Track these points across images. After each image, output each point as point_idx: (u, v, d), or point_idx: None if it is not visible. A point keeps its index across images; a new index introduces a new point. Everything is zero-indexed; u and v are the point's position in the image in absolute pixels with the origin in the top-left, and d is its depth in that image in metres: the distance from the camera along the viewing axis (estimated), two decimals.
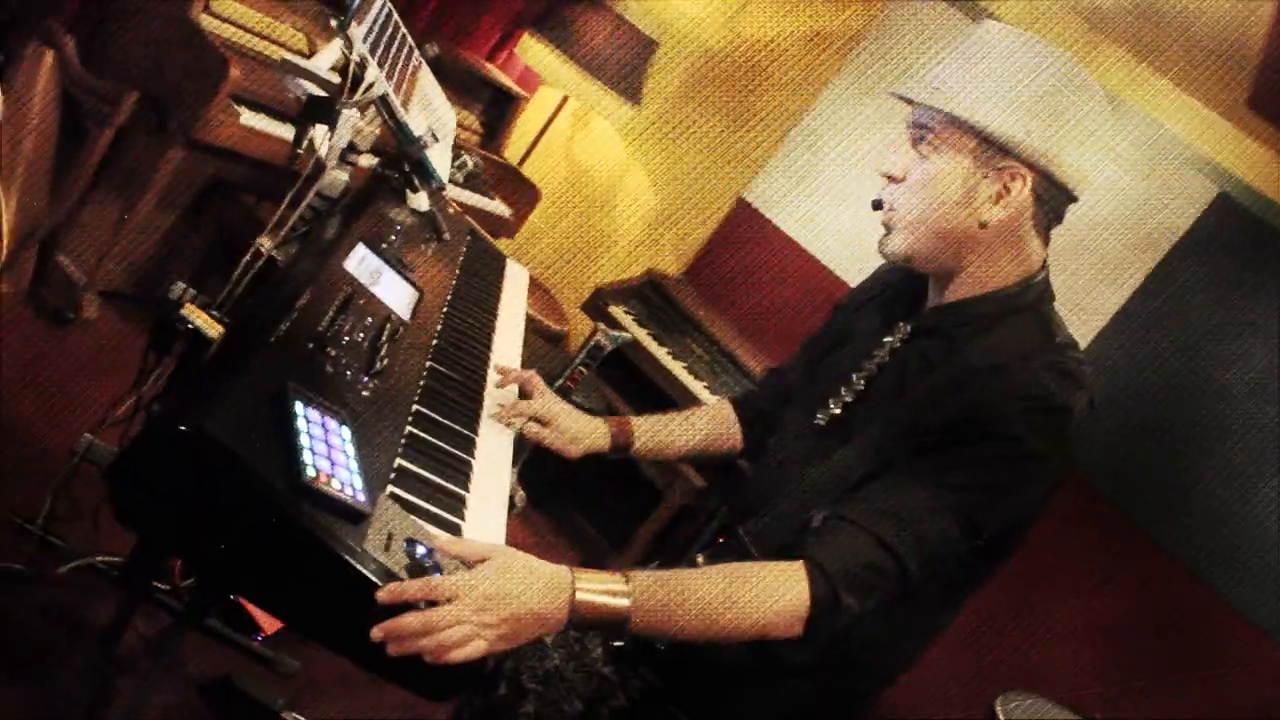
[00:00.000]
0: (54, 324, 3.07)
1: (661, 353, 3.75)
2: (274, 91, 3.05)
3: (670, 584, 1.35)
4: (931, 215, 1.48)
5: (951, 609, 1.58)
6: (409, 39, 1.70)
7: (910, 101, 1.51)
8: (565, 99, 4.24)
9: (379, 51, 1.46)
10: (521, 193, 4.09)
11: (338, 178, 1.82)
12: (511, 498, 2.79)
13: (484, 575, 1.24)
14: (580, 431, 1.85)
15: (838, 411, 1.58)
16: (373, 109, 1.44)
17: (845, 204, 3.89)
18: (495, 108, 4.12)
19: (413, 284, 1.86)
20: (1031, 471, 1.41)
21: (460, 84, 3.96)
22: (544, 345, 3.71)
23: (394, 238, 1.92)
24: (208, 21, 2.97)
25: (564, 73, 4.00)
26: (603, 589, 1.31)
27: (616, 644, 1.69)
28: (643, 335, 3.79)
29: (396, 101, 1.42)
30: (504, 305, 2.22)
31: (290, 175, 1.65)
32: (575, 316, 4.26)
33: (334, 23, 1.36)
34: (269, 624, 2.41)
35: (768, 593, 1.36)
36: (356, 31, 1.36)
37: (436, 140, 1.49)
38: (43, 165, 2.95)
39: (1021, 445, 1.38)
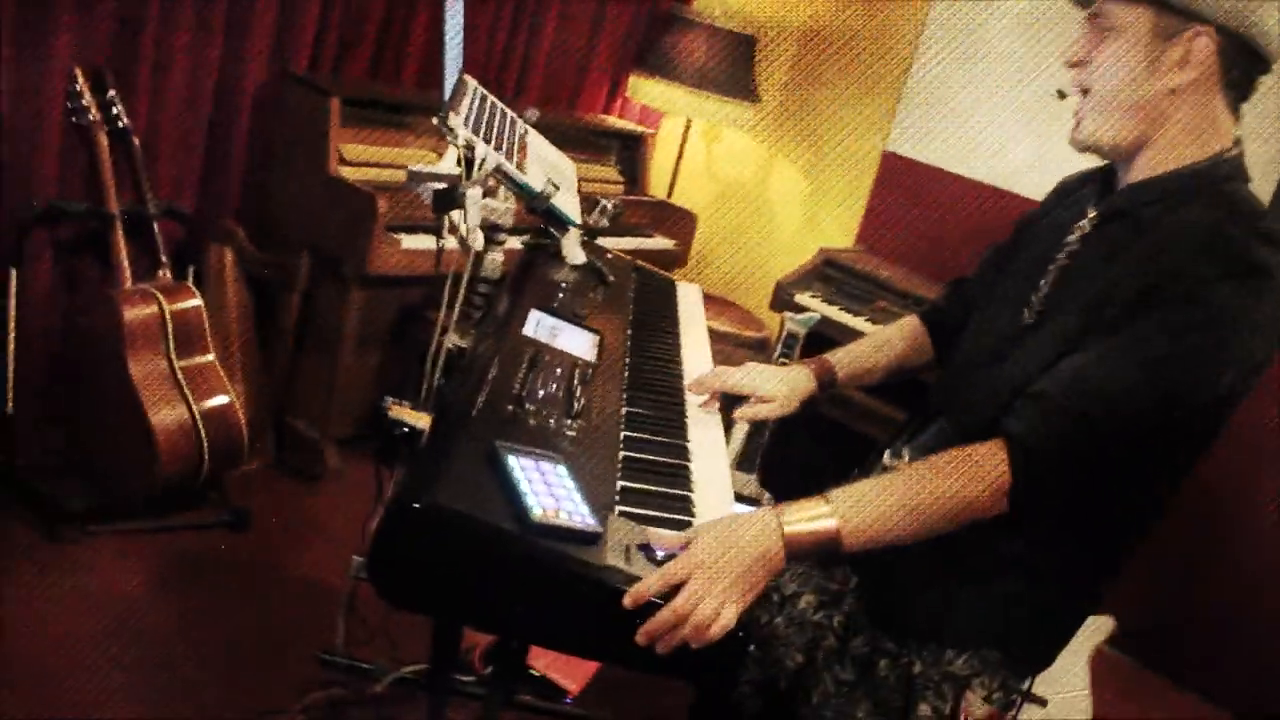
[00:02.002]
0: (307, 482, 3.32)
1: (858, 321, 3.74)
2: (422, 214, 3.24)
3: (869, 491, 1.38)
4: (1120, 91, 1.46)
5: (1153, 507, 1.54)
6: (509, 111, 1.81)
7: None
8: (689, 122, 4.32)
9: (482, 129, 1.56)
10: (678, 222, 4.19)
11: (494, 260, 1.94)
12: (759, 504, 2.85)
13: (701, 547, 1.29)
14: (785, 387, 1.91)
15: (1031, 310, 1.57)
16: (494, 182, 1.54)
17: (986, 118, 3.83)
18: (627, 154, 4.25)
19: (591, 329, 1.95)
20: (1230, 337, 1.36)
21: (588, 143, 4.11)
22: (746, 354, 3.75)
23: (562, 295, 2.02)
24: (346, 171, 3.20)
25: (678, 98, 4.08)
26: (807, 516, 1.35)
27: (825, 587, 1.71)
28: (834, 311, 3.79)
29: (510, 166, 1.52)
30: (684, 323, 2.29)
31: (457, 278, 1.78)
32: (770, 319, 4.30)
33: (434, 120, 1.48)
34: (572, 684, 2.53)
35: (968, 472, 1.38)
36: (455, 120, 1.47)
37: (558, 188, 1.58)
38: (252, 346, 3.22)
39: (1219, 308, 1.34)
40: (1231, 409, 1.45)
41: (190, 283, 3.03)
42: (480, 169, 1.46)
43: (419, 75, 3.63)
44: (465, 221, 1.49)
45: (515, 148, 1.67)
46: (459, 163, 1.65)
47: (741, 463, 2.94)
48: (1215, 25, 1.40)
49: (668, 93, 4.09)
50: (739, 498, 2.87)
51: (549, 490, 1.31)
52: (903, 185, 4.08)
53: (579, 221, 1.69)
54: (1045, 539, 1.50)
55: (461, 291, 1.65)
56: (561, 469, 1.38)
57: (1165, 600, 3.30)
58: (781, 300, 3.89)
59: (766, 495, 2.85)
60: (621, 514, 1.39)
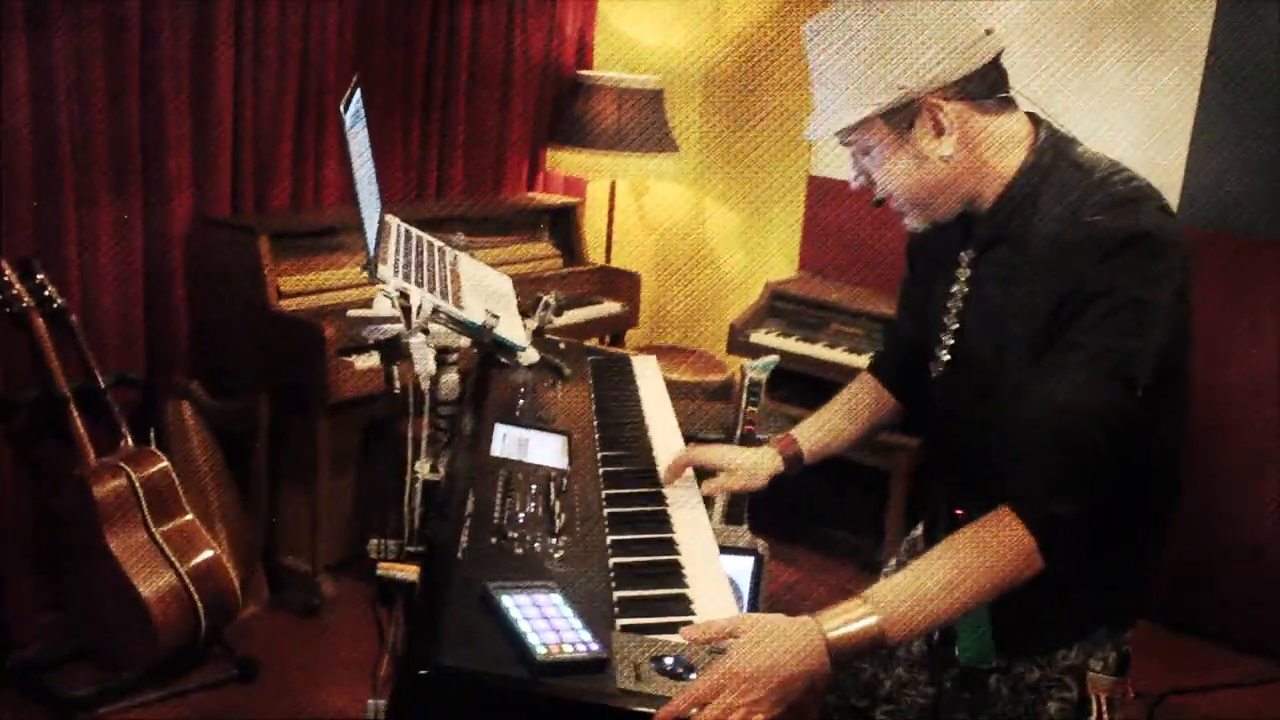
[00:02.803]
0: (306, 616, 3.31)
1: (817, 349, 3.79)
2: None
3: (903, 584, 1.40)
4: (908, 187, 1.55)
5: (1175, 441, 1.58)
6: (435, 242, 1.83)
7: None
8: (613, 183, 4.37)
9: (413, 272, 1.59)
10: (622, 284, 4.22)
11: (450, 381, 1.96)
12: (756, 551, 2.87)
13: (738, 657, 1.30)
14: (752, 463, 1.94)
15: (949, 351, 1.61)
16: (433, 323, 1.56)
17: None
18: (559, 226, 4.29)
19: (558, 431, 1.97)
20: (1147, 306, 1.41)
21: (519, 224, 4.15)
22: (712, 407, 3.77)
23: (522, 401, 2.04)
24: (286, 304, 3.21)
25: (598, 163, 4.13)
26: (848, 618, 1.36)
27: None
28: (791, 344, 3.84)
29: (447, 305, 1.54)
30: (646, 401, 2.30)
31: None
32: (733, 361, 4.34)
33: (364, 273, 1.50)
34: None
35: (990, 547, 1.40)
36: (384, 270, 1.49)
37: (498, 317, 1.60)
38: (229, 497, 3.22)
39: (1123, 291, 1.40)
40: (1185, 340, 1.50)
41: (153, 444, 3.03)
42: (419, 315, 1.48)
43: (340, 193, 3.65)
44: (415, 368, 1.51)
45: (449, 280, 1.69)
46: (365, 265, 1.66)
47: (729, 517, 2.97)
48: (931, 92, 1.47)
49: (587, 159, 4.14)
50: (733, 550, 2.89)
51: (549, 624, 1.32)
52: (833, 205, 4.14)
53: (525, 345, 1.71)
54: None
55: (425, 424, 1.67)
56: (556, 596, 1.39)
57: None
58: (737, 343, 3.93)
59: (760, 542, 2.87)
60: (624, 628, 1.40)
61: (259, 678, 2.98)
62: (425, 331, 1.49)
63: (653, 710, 1.25)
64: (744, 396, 2.89)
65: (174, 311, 3.24)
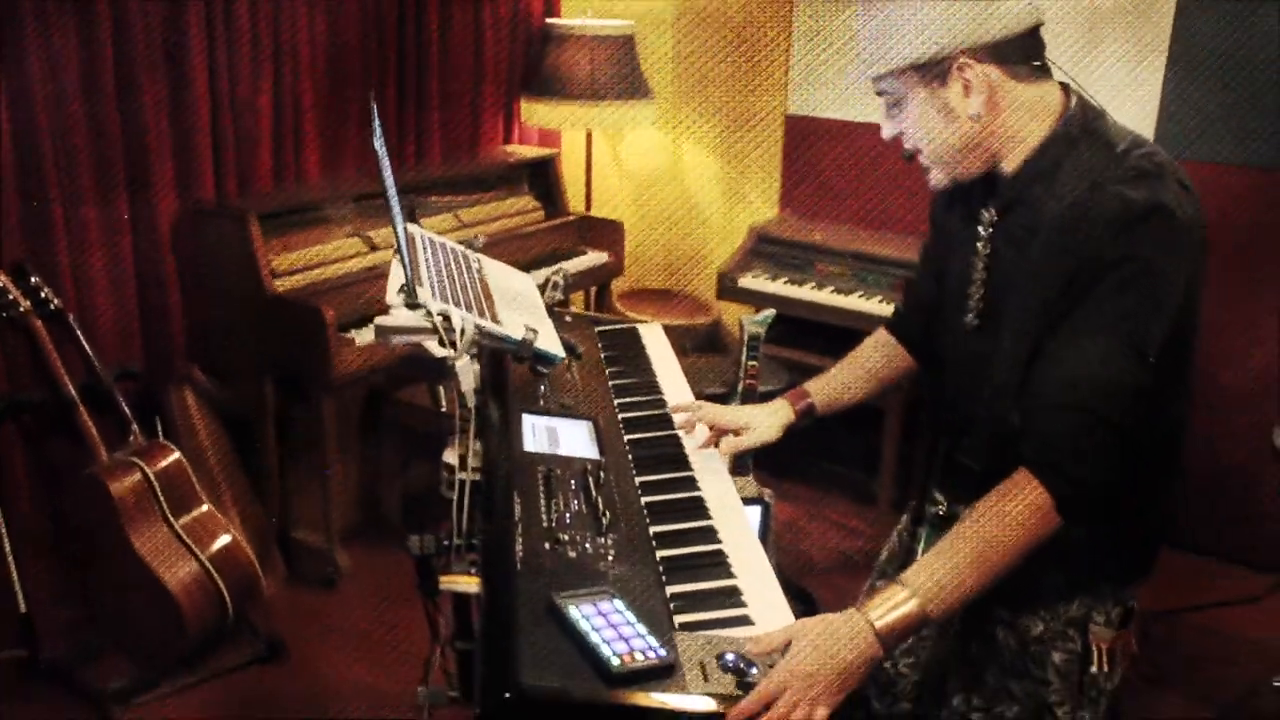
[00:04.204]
0: (325, 589, 3.37)
1: (806, 291, 3.84)
2: (366, 302, 3.28)
3: (937, 563, 1.47)
4: (937, 143, 1.60)
5: (1174, 431, 1.65)
6: (459, 250, 1.85)
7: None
8: (589, 133, 4.36)
9: (447, 288, 1.61)
10: (606, 234, 4.24)
11: (471, 371, 1.99)
12: (763, 500, 2.94)
13: (796, 658, 1.37)
14: (766, 419, 2.03)
15: (977, 316, 1.67)
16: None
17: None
18: (539, 179, 4.28)
19: (583, 417, 2.01)
20: (1159, 277, 1.47)
21: (500, 181, 4.15)
22: (711, 360, 3.81)
23: (543, 388, 2.08)
24: (281, 284, 3.21)
25: (573, 114, 4.12)
26: (891, 605, 1.43)
27: None
28: (780, 287, 3.89)
29: (488, 324, 1.57)
30: (659, 374, 2.35)
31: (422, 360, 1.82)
32: (720, 306, 4.38)
33: (403, 298, 1.52)
34: None
35: (1012, 513, 1.47)
36: (424, 293, 1.51)
37: (537, 332, 1.63)
38: (237, 477, 3.25)
39: (1134, 262, 1.45)
40: (1195, 309, 1.56)
41: (160, 433, 3.05)
42: (462, 338, 1.50)
43: (321, 166, 3.64)
44: (462, 387, 1.54)
45: (480, 293, 1.71)
46: (403, 287, 1.68)
47: (736, 469, 3.03)
48: (965, 52, 1.52)
49: (562, 111, 4.12)
50: (743, 501, 2.96)
51: (616, 632, 1.38)
52: (811, 144, 4.16)
53: (562, 355, 1.74)
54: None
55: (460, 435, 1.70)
56: (618, 602, 1.45)
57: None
58: (726, 288, 3.97)
59: (767, 491, 2.95)
60: (682, 626, 1.47)
61: (287, 656, 3.04)
62: (470, 354, 1.51)
63: (720, 711, 1.32)
64: (744, 351, 2.93)
65: (168, 302, 3.24)
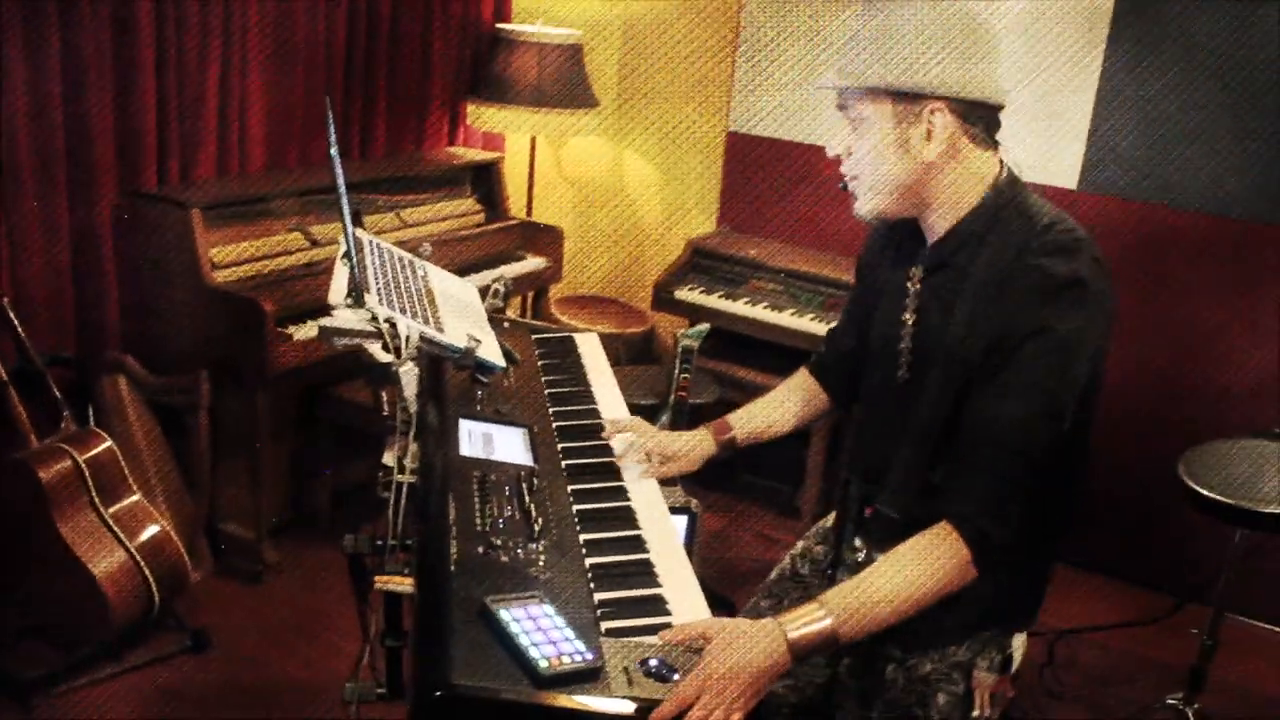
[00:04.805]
0: (251, 583, 3.38)
1: (740, 306, 3.92)
2: (306, 298, 3.29)
3: (856, 591, 1.56)
4: (881, 173, 1.67)
5: (1081, 461, 1.74)
6: (406, 257, 1.90)
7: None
8: (533, 138, 4.41)
9: (393, 295, 1.66)
10: (545, 239, 4.28)
11: (410, 373, 2.04)
12: (690, 510, 3.01)
13: (713, 661, 1.45)
14: (690, 449, 2.12)
15: (905, 368, 1.75)
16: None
17: (814, 82, 4.03)
18: (482, 182, 4.32)
19: (519, 424, 2.07)
20: (1071, 347, 1.57)
21: (444, 182, 4.17)
22: (646, 371, 3.87)
23: (480, 394, 2.13)
24: (220, 276, 3.22)
25: (519, 119, 4.16)
26: (806, 619, 1.52)
27: None
28: (715, 300, 3.97)
29: (432, 332, 1.62)
30: (594, 383, 2.40)
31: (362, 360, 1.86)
32: (654, 317, 4.45)
33: (343, 303, 1.56)
34: None
35: (934, 560, 1.57)
36: (371, 300, 1.56)
37: (479, 341, 1.68)
38: (168, 467, 3.25)
39: (1052, 332, 1.55)
40: (1099, 375, 1.66)
41: (92, 421, 3.05)
42: (407, 345, 1.55)
43: (267, 158, 3.64)
44: (405, 393, 1.59)
45: (425, 300, 1.76)
46: (349, 291, 1.73)
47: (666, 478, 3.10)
48: (942, 98, 1.60)
49: (507, 115, 4.17)
50: (670, 510, 3.03)
51: (545, 636, 1.43)
52: (751, 162, 4.25)
53: (502, 364, 1.79)
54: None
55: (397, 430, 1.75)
56: (548, 607, 1.50)
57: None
58: (662, 299, 4.04)
59: (694, 501, 3.01)
60: (609, 631, 1.53)
61: (212, 647, 3.05)
62: (413, 360, 1.56)
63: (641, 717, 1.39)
64: (677, 364, 3.01)
65: (105, 289, 3.23)
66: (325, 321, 1.78)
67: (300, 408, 3.62)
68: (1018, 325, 1.56)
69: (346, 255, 1.65)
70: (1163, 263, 3.55)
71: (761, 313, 3.88)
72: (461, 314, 1.89)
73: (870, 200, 1.72)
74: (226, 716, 2.83)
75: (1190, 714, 2.75)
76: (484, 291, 2.41)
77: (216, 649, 3.05)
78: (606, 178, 4.69)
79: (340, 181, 1.72)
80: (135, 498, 2.98)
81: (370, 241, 1.86)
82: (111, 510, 2.90)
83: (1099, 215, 3.51)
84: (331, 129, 1.71)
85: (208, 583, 3.33)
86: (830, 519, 2.11)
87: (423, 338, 1.58)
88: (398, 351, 1.55)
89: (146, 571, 2.91)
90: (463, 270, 3.86)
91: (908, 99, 1.61)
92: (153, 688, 2.90)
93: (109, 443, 2.95)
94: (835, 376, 2.09)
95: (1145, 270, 3.54)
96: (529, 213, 4.45)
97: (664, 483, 3.14)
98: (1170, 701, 2.80)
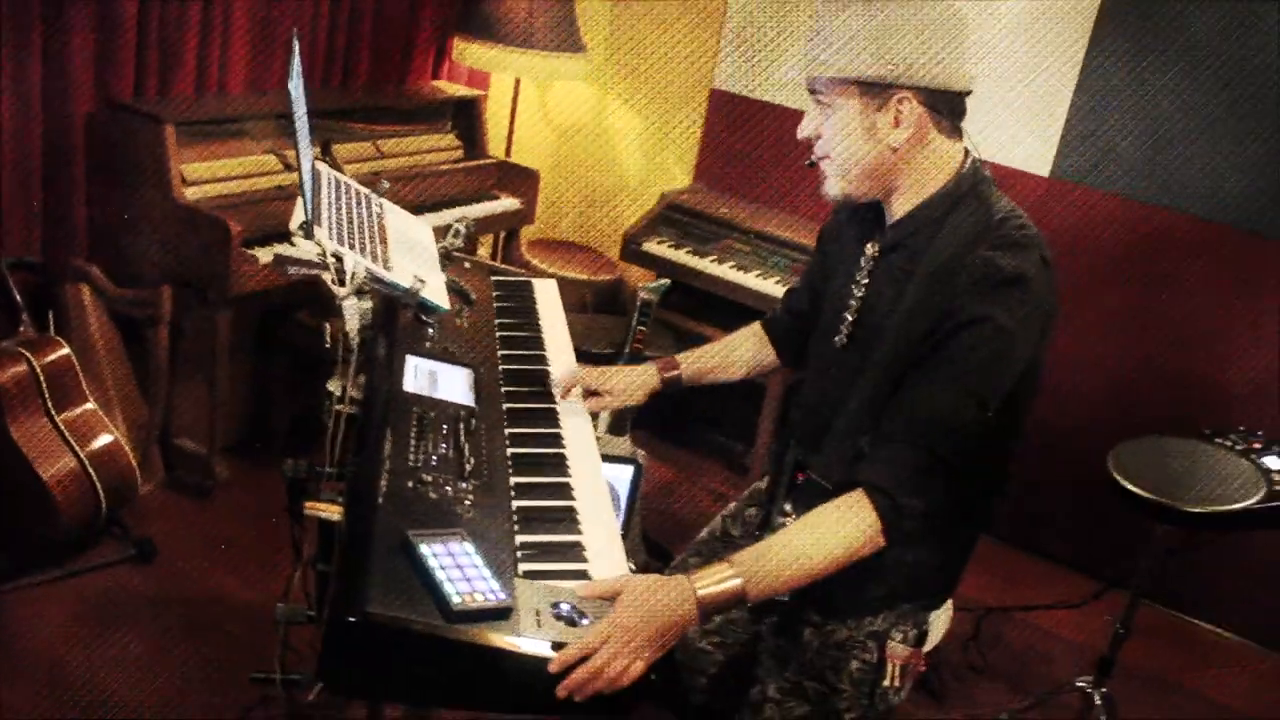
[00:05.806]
0: (200, 498, 3.42)
1: (706, 263, 3.95)
2: (275, 221, 3.31)
3: (766, 553, 1.61)
4: (849, 157, 1.71)
5: (1013, 443, 1.80)
6: (363, 192, 1.92)
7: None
8: (518, 79, 4.40)
9: (344, 230, 1.69)
10: (522, 181, 4.29)
11: (358, 310, 2.07)
12: (635, 460, 3.07)
13: (622, 612, 1.50)
14: (632, 381, 2.15)
15: (846, 337, 1.80)
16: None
17: (783, 73, 4.02)
18: (462, 118, 4.32)
19: (465, 364, 2.10)
20: (1008, 339, 1.62)
21: (424, 115, 4.17)
22: (605, 321, 3.91)
23: (431, 330, 2.16)
24: (191, 193, 3.23)
25: (505, 59, 4.15)
26: (717, 579, 1.57)
27: None
28: (683, 256, 4.00)
29: (378, 269, 1.65)
30: (546, 331, 2.44)
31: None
32: (623, 266, 4.48)
33: (299, 232, 1.60)
34: None
35: (843, 526, 1.62)
36: (320, 233, 1.59)
37: (424, 282, 1.71)
38: (125, 379, 3.28)
39: (990, 322, 1.60)
40: (1036, 370, 1.72)
41: (51, 328, 3.07)
42: (351, 280, 1.59)
43: (247, 79, 3.64)
44: (346, 325, 1.62)
45: (376, 237, 1.79)
46: (301, 223, 1.76)
47: (614, 428, 3.15)
48: (909, 87, 1.65)
49: (495, 55, 4.15)
50: (615, 459, 3.09)
51: (462, 573, 1.48)
52: (733, 121, 4.26)
53: (446, 306, 1.82)
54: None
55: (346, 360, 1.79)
56: (468, 545, 1.55)
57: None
58: (630, 250, 4.07)
59: (640, 452, 3.07)
60: (525, 574, 1.58)
61: (156, 559, 3.09)
62: (358, 293, 1.60)
63: (548, 656, 1.44)
64: (635, 316, 3.05)
65: (74, 197, 3.23)
66: (281, 249, 1.81)
67: (262, 329, 3.65)
68: (957, 312, 1.61)
69: (301, 190, 1.68)
70: (1136, 254, 3.58)
71: (728, 272, 3.91)
72: (412, 254, 1.92)
73: (838, 183, 1.77)
74: (162, 626, 2.88)
75: (1097, 697, 2.83)
76: (445, 231, 2.43)
77: (160, 560, 3.10)
78: (588, 125, 4.69)
79: (299, 115, 1.74)
80: (89, 406, 3.01)
81: (329, 175, 1.88)
82: (64, 417, 2.93)
83: (1066, 204, 3.55)
84: (296, 62, 1.73)
85: (157, 495, 3.37)
86: (765, 482, 2.16)
87: (368, 273, 1.61)
88: (343, 284, 1.58)
89: (96, 479, 2.95)
90: (436, 205, 3.89)
91: (876, 88, 1.65)
92: (93, 593, 2.94)
93: (66, 350, 2.98)
94: (785, 334, 2.13)
95: (1112, 260, 3.58)
96: (508, 153, 4.46)
97: (613, 431, 3.20)
98: (1079, 684, 2.88)
